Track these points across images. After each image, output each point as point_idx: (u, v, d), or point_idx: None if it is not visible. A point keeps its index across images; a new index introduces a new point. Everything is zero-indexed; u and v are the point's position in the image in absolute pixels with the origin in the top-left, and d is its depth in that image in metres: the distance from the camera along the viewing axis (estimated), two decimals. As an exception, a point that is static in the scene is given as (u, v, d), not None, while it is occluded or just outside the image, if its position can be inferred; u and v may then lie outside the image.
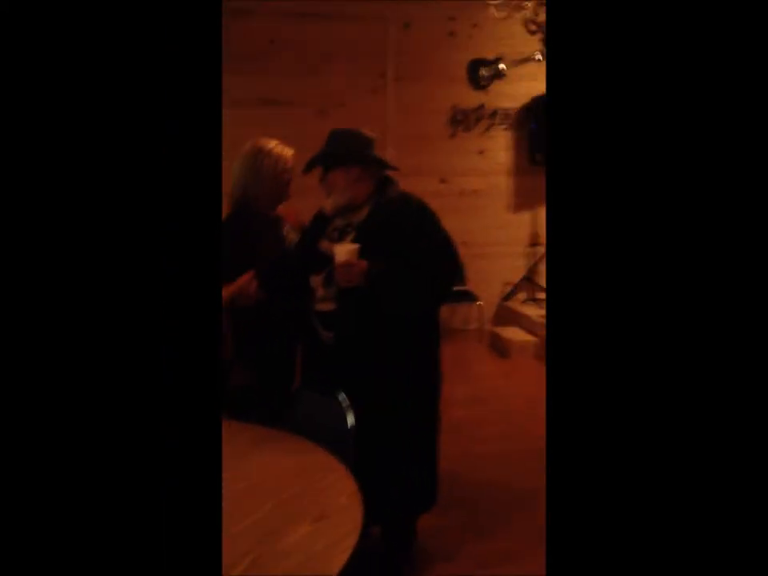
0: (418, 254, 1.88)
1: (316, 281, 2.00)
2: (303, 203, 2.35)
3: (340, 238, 1.97)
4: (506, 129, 4.95)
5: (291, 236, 2.26)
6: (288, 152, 2.20)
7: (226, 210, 2.18)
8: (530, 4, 2.40)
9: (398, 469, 1.97)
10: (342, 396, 1.63)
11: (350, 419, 1.58)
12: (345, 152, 1.96)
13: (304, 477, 1.35)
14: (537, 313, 4.70)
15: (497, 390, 3.87)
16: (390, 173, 2.04)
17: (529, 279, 5.05)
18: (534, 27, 2.45)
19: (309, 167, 2.01)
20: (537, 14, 2.38)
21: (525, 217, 5.13)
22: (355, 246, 1.85)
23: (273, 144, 2.19)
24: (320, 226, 2.07)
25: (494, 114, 4.90)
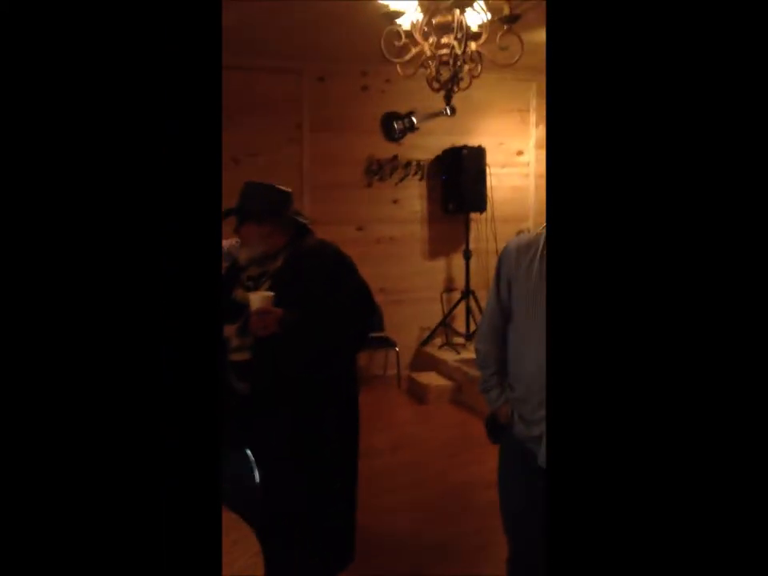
0: (333, 301, 1.88)
1: (230, 330, 1.97)
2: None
3: (255, 287, 1.96)
4: (419, 179, 5.12)
5: None
6: None
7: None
8: (432, 63, 2.52)
9: (315, 524, 1.93)
10: (247, 452, 1.59)
11: (257, 476, 1.54)
12: (257, 209, 1.96)
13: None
14: (453, 357, 4.79)
15: (413, 437, 3.88)
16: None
17: (445, 324, 5.16)
18: (436, 85, 2.56)
19: (223, 216, 2.00)
20: (440, 73, 2.50)
21: (440, 263, 5.28)
22: (270, 294, 1.84)
23: None
24: (234, 276, 2.05)
25: (407, 164, 5.06)
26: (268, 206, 1.96)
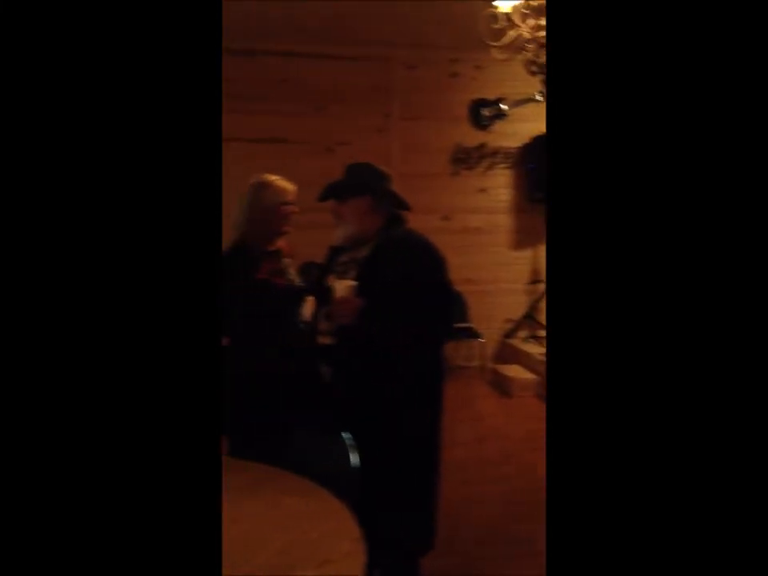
0: (416, 295, 1.87)
1: (321, 314, 2.00)
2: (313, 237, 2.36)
3: (342, 274, 1.97)
4: (507, 168, 5.01)
5: (290, 271, 2.26)
6: (289, 186, 2.22)
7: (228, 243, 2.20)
8: (531, 46, 2.44)
9: (398, 510, 1.93)
10: (346, 435, 1.61)
11: (354, 459, 1.55)
12: (359, 183, 1.97)
13: (306, 520, 1.32)
14: (538, 350, 4.68)
15: (498, 430, 3.82)
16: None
17: (530, 317, 5.04)
18: (534, 68, 2.49)
19: (324, 197, 2.01)
20: (538, 56, 2.42)
21: (526, 254, 5.15)
22: (352, 283, 1.85)
23: (274, 178, 2.21)
24: (330, 261, 2.07)
25: (495, 153, 4.96)
26: (368, 180, 1.96)
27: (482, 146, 4.93)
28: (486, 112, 4.91)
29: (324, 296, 1.97)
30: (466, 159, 4.92)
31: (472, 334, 4.76)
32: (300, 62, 4.65)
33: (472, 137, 4.92)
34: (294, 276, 2.27)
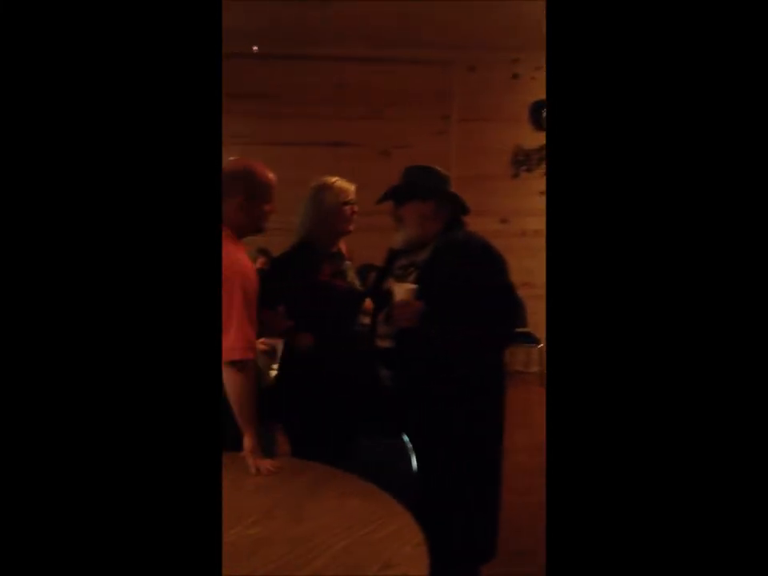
0: (477, 299, 1.84)
1: (379, 317, 1.99)
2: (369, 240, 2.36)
3: (402, 277, 1.97)
4: (568, 169, 4.92)
5: (350, 273, 2.27)
6: (349, 186, 2.22)
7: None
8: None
9: (460, 516, 1.91)
10: (405, 438, 1.60)
11: (414, 463, 1.54)
12: (422, 185, 1.96)
13: (368, 522, 1.32)
14: (600, 357, 4.55)
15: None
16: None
17: (591, 322, 4.92)
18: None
19: (383, 198, 2.01)
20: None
21: (587, 258, 5.03)
22: (412, 286, 1.84)
23: (334, 179, 2.23)
24: (389, 264, 2.07)
25: (556, 154, 4.88)
26: (432, 183, 1.95)
27: (542, 147, 4.84)
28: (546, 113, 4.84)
29: (383, 299, 1.97)
30: (526, 161, 4.85)
31: (530, 339, 4.67)
32: (359, 66, 4.69)
33: (532, 138, 4.84)
34: (353, 278, 2.28)
